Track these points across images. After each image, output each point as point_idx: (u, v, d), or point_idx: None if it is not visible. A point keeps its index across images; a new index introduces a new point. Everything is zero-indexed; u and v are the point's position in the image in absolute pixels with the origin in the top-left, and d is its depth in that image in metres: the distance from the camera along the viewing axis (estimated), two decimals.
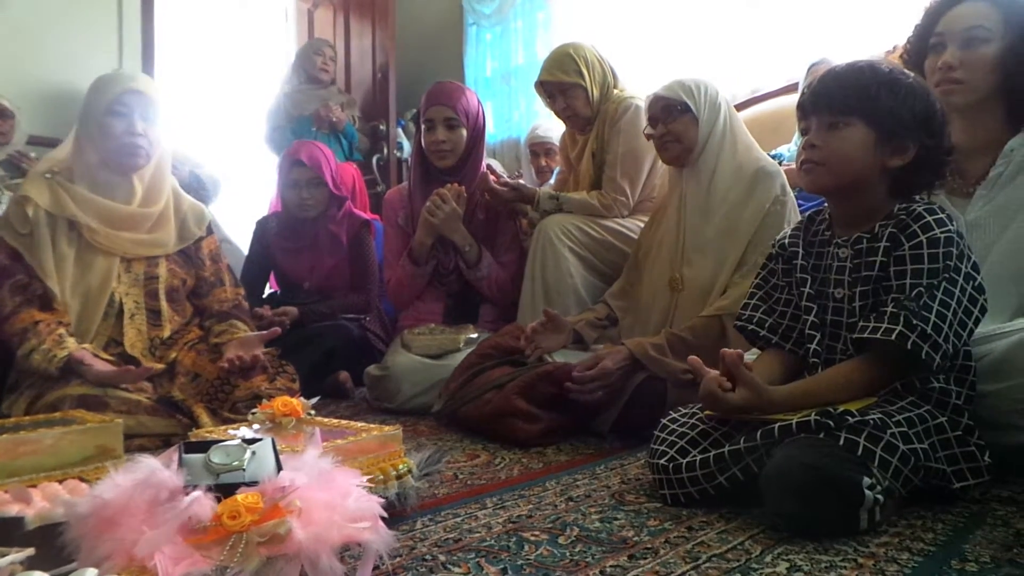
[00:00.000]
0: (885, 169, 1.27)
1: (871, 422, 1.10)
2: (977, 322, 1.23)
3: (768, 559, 0.98)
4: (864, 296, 1.27)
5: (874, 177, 1.28)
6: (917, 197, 1.30)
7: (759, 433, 1.14)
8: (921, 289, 1.18)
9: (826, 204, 1.41)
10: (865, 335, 1.20)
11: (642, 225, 2.24)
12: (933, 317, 1.17)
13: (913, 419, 1.15)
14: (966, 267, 1.22)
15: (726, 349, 1.23)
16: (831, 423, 1.09)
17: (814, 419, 1.10)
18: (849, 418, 1.10)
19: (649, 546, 1.04)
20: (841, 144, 1.27)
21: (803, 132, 1.34)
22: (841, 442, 1.07)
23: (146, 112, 1.92)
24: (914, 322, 1.16)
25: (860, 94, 1.26)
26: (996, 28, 1.51)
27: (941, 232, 1.21)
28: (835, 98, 1.28)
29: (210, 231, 2.13)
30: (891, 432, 1.10)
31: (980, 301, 1.23)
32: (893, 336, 1.16)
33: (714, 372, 1.25)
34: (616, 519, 1.17)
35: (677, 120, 1.95)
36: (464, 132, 2.41)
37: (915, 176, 1.28)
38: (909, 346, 1.16)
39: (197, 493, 0.78)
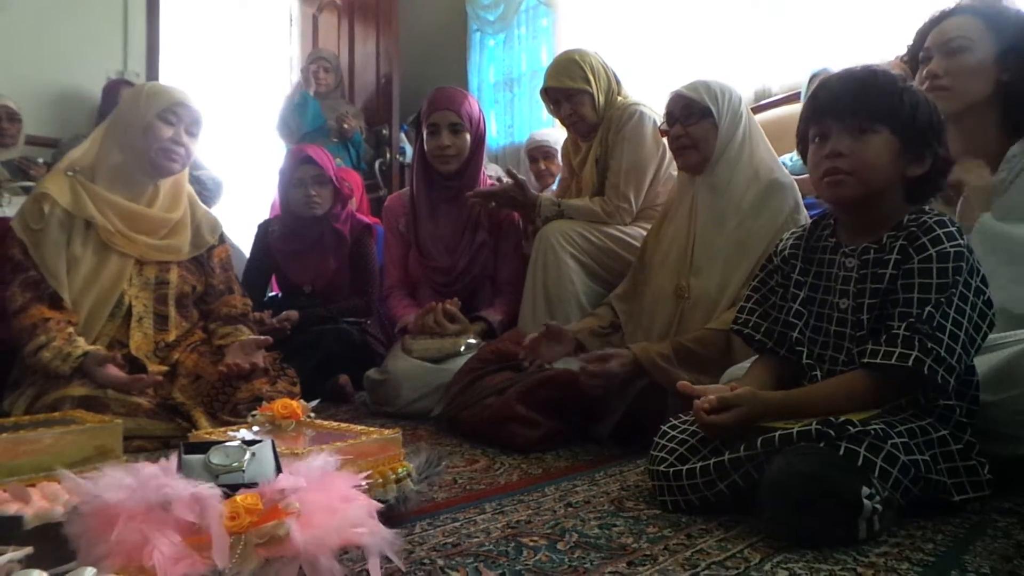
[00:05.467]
0: (903, 179, 1.24)
1: (872, 432, 1.09)
2: (985, 337, 1.21)
3: (767, 567, 0.98)
4: (871, 309, 1.24)
5: (894, 186, 1.25)
6: (927, 207, 1.27)
7: (759, 441, 1.14)
8: (931, 309, 1.16)
9: (826, 211, 1.39)
10: (878, 360, 1.18)
11: (645, 232, 2.23)
12: (946, 338, 1.15)
13: (915, 430, 1.15)
14: (976, 281, 1.20)
15: (717, 395, 1.21)
16: (832, 432, 1.08)
17: (815, 428, 1.09)
18: (850, 428, 1.09)
19: (648, 553, 1.04)
20: (869, 152, 1.22)
21: (815, 138, 1.29)
22: (841, 451, 1.07)
23: (191, 127, 2.01)
24: (929, 345, 1.14)
25: (886, 100, 1.22)
26: (978, 37, 1.55)
27: (951, 246, 1.18)
28: (861, 103, 1.22)
29: (222, 240, 2.16)
30: (892, 443, 1.09)
31: (989, 316, 1.20)
32: (910, 362, 1.14)
33: (711, 388, 1.24)
34: (615, 525, 1.17)
35: (697, 124, 1.90)
36: (468, 137, 2.42)
37: (928, 185, 1.26)
38: (926, 371, 1.14)
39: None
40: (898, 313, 1.19)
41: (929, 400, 1.20)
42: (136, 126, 1.95)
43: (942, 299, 1.17)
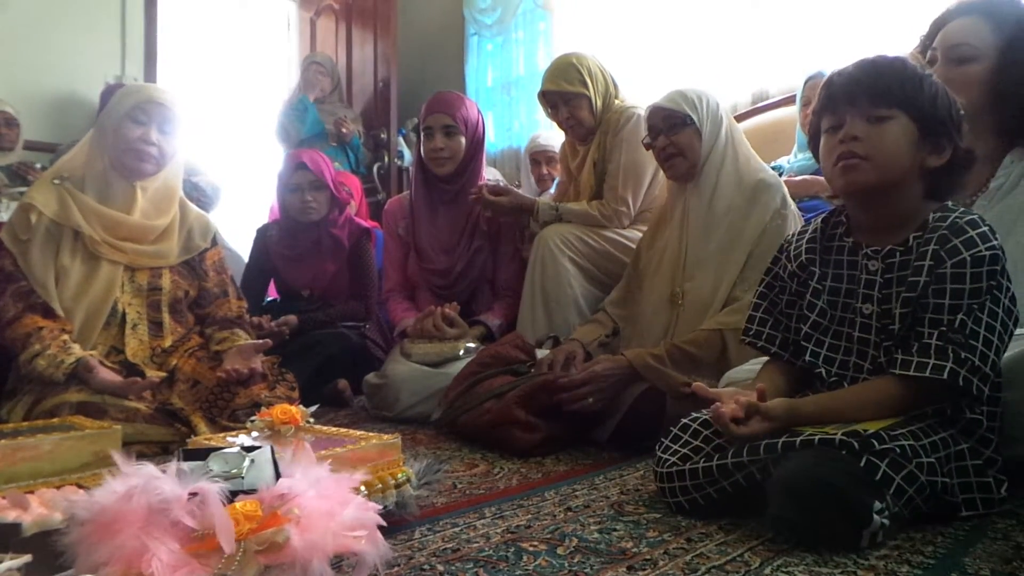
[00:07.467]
0: (923, 169, 1.20)
1: (896, 449, 1.05)
2: (1011, 336, 1.17)
3: (767, 571, 0.98)
4: (903, 318, 1.18)
5: (913, 177, 1.20)
6: (951, 204, 1.22)
7: (780, 444, 1.10)
8: (963, 316, 1.12)
9: (836, 208, 1.35)
10: (910, 371, 1.14)
11: (641, 235, 2.23)
12: (980, 346, 1.11)
13: (938, 443, 1.11)
14: (1005, 281, 1.15)
15: (744, 400, 1.16)
16: (855, 444, 1.04)
17: (839, 439, 1.06)
18: (875, 443, 1.04)
19: (648, 557, 1.04)
20: (886, 137, 1.18)
21: (829, 128, 1.25)
22: (862, 463, 1.03)
23: (164, 125, 1.95)
24: (963, 355, 1.11)
25: (903, 86, 1.18)
26: (984, 45, 1.52)
27: (986, 249, 1.13)
28: (877, 89, 1.19)
29: (214, 242, 2.14)
30: (917, 462, 1.06)
31: (1015, 313, 1.17)
32: (944, 374, 1.11)
33: (727, 392, 1.20)
34: (615, 530, 1.16)
35: (680, 133, 1.92)
36: (463, 140, 2.43)
37: (949, 179, 1.21)
38: (961, 383, 1.11)
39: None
40: (929, 320, 1.15)
41: (955, 410, 1.17)
42: (110, 128, 1.93)
43: (975, 305, 1.13)
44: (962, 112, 1.23)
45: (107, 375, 1.79)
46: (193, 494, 0.78)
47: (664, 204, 2.13)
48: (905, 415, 1.16)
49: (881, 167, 1.20)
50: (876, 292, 1.23)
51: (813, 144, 1.34)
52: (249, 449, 0.89)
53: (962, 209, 1.20)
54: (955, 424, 1.16)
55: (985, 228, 1.16)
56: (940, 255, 1.15)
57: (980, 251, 1.13)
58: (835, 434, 1.07)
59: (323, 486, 0.86)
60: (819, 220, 1.36)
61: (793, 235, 1.40)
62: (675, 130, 1.93)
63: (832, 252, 1.31)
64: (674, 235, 2.00)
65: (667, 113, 1.94)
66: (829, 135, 1.26)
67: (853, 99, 1.21)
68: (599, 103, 2.37)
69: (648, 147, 2.04)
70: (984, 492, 1.15)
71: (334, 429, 1.31)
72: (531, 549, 1.08)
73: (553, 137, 3.64)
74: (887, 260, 1.23)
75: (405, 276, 2.58)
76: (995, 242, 1.15)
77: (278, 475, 0.87)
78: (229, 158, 4.73)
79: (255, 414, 1.28)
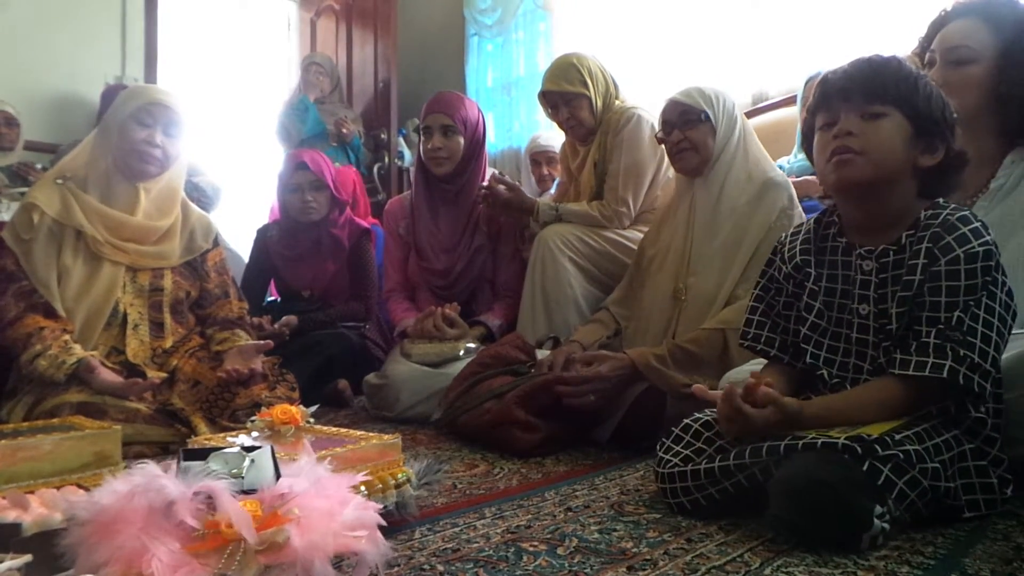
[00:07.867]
0: (915, 168, 1.21)
1: (899, 454, 1.04)
2: (1010, 330, 1.17)
3: (767, 571, 0.98)
4: (899, 317, 1.18)
5: (905, 176, 1.21)
6: (942, 201, 1.23)
7: (783, 447, 1.10)
8: (960, 313, 1.12)
9: (827, 208, 1.34)
10: (910, 371, 1.14)
11: (642, 236, 2.23)
12: (979, 342, 1.11)
13: (941, 446, 1.10)
14: (1000, 276, 1.15)
15: (765, 389, 1.15)
16: (858, 449, 1.03)
17: (842, 443, 1.05)
18: (879, 448, 1.03)
19: (648, 557, 1.04)
20: (880, 133, 1.19)
21: (823, 126, 1.26)
22: (865, 467, 1.03)
23: (169, 127, 1.94)
24: (962, 353, 1.11)
25: (898, 83, 1.19)
26: (982, 48, 1.52)
27: (979, 244, 1.13)
28: (873, 85, 1.20)
29: (216, 243, 2.13)
30: (919, 467, 1.05)
31: (1013, 308, 1.17)
32: (944, 372, 1.11)
33: (720, 394, 1.20)
34: (615, 530, 1.16)
35: (696, 128, 1.92)
36: (461, 140, 2.43)
37: (941, 179, 1.22)
38: (961, 380, 1.10)
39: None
40: (926, 318, 1.15)
41: (959, 409, 1.16)
42: (114, 128, 1.93)
43: (971, 302, 1.13)
44: (955, 115, 1.24)
45: (108, 376, 1.79)
46: (197, 493, 0.78)
47: (669, 200, 2.13)
48: (909, 415, 1.15)
49: (875, 163, 1.20)
50: (872, 292, 1.23)
51: (806, 144, 1.34)
52: (249, 449, 0.89)
53: (953, 206, 1.20)
54: (959, 424, 1.16)
55: (977, 224, 1.16)
56: (934, 253, 1.16)
57: (973, 247, 1.14)
58: (838, 438, 1.07)
59: (323, 486, 0.87)
60: (811, 221, 1.36)
61: (786, 237, 1.40)
62: (690, 125, 1.93)
63: (826, 253, 1.31)
64: (679, 230, 2.00)
65: (684, 108, 1.94)
66: (823, 132, 1.26)
67: (848, 95, 1.22)
68: (599, 103, 2.37)
69: (661, 141, 2.04)
70: (987, 493, 1.14)
71: (334, 429, 1.31)
72: (531, 549, 1.08)
73: (553, 137, 3.63)
74: (881, 260, 1.23)
75: (405, 276, 2.58)
76: (988, 237, 1.15)
77: (278, 475, 0.87)
78: (229, 158, 4.73)
79: (255, 414, 1.28)
